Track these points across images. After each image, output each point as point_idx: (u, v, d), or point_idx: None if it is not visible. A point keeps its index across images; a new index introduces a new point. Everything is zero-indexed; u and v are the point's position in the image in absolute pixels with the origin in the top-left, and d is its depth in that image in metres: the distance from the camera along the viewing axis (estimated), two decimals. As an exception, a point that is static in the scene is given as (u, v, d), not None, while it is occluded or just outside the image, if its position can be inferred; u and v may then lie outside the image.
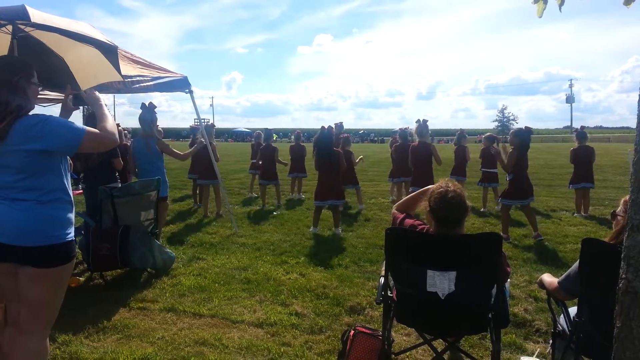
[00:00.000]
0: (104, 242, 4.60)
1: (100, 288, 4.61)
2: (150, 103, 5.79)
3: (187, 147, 9.98)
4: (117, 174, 5.81)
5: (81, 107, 4.40)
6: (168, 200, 6.59)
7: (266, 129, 10.32)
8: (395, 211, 2.98)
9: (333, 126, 9.19)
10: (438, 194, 2.56)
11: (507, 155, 6.53)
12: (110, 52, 3.45)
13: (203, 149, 7.28)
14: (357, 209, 9.15)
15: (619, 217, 2.51)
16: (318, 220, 7.25)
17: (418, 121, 7.95)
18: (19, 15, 3.11)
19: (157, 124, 6.10)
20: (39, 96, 2.52)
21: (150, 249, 4.97)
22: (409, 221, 2.80)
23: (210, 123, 9.32)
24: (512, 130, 7.15)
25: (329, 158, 7.00)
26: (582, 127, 8.98)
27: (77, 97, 2.74)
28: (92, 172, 5.56)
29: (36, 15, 3.11)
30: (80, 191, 6.48)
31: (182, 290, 4.48)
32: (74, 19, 3.37)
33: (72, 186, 2.45)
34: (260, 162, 9.79)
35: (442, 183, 2.64)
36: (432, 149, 7.73)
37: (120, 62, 3.89)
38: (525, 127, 6.85)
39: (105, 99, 2.83)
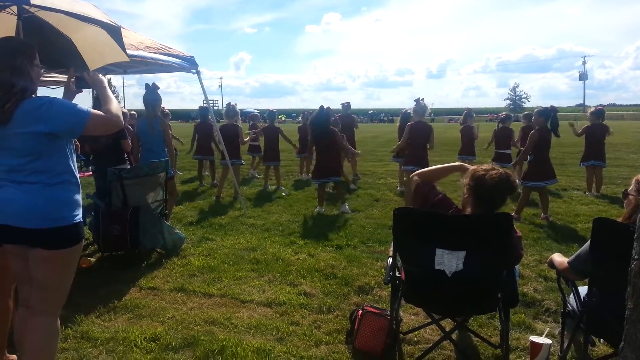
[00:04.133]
0: (113, 223, 4.63)
1: (110, 269, 4.66)
2: (154, 84, 5.77)
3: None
4: (126, 156, 5.84)
5: (89, 90, 4.39)
6: (176, 180, 6.60)
7: (270, 111, 10.61)
8: (417, 178, 2.77)
9: (340, 107, 9.20)
10: (485, 174, 2.50)
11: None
12: (113, 33, 3.42)
13: (223, 129, 7.41)
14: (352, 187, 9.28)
15: (630, 197, 2.46)
16: (323, 199, 7.22)
17: (417, 100, 7.90)
18: None
19: (163, 105, 6.08)
20: (47, 79, 2.51)
21: (160, 230, 5.00)
22: (438, 196, 2.68)
23: (233, 104, 9.29)
24: (536, 110, 6.91)
25: (324, 137, 7.04)
26: (600, 106, 8.84)
27: (80, 80, 2.72)
28: (101, 154, 5.59)
29: (36, -4, 3.07)
30: (91, 173, 6.53)
31: (191, 271, 4.52)
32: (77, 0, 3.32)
33: (82, 168, 2.45)
34: (255, 135, 10.17)
35: (486, 165, 2.60)
36: (431, 131, 7.67)
37: (125, 42, 3.85)
38: (551, 106, 6.72)
39: (114, 80, 2.81)
